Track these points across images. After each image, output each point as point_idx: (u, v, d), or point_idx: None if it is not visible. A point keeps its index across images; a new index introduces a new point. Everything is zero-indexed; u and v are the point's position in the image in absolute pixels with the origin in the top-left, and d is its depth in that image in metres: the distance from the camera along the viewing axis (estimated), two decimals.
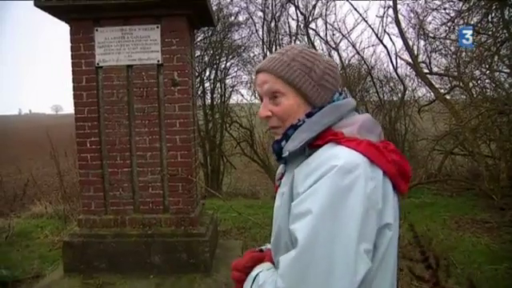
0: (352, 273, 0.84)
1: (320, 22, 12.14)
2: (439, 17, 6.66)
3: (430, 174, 7.77)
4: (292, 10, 10.38)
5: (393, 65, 8.65)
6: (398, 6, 7.03)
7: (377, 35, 8.52)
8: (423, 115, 8.70)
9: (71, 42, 3.72)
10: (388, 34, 8.89)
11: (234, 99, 12.65)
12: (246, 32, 11.07)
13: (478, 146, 6.32)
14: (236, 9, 10.48)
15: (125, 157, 3.76)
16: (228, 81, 12.02)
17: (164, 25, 3.67)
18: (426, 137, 8.73)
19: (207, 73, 10.99)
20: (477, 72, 6.68)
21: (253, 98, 12.45)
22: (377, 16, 13.95)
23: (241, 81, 12.18)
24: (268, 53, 11.26)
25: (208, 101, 11.33)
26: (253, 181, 15.42)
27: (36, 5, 3.52)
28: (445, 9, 6.03)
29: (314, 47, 10.14)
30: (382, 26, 9.39)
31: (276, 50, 11.15)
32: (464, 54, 6.46)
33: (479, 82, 6.90)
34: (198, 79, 10.06)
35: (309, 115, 1.05)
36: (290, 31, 10.58)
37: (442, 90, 7.47)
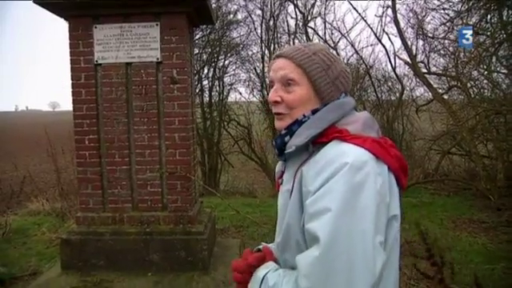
0: (372, 265, 0.87)
1: (319, 20, 12.15)
2: (438, 17, 6.68)
3: (428, 174, 7.80)
4: (291, 8, 10.38)
5: (391, 64, 8.67)
6: (397, 6, 7.04)
7: (375, 35, 8.54)
8: (421, 115, 8.73)
9: (70, 39, 3.71)
10: (387, 34, 8.94)
11: (232, 97, 12.65)
12: (244, 30, 11.06)
13: (475, 146, 6.35)
14: (235, 7, 10.45)
15: (123, 154, 3.76)
16: (226, 79, 12.02)
17: (163, 22, 3.66)
18: (423, 136, 8.76)
19: (205, 71, 10.98)
20: (475, 72, 6.71)
21: (251, 96, 12.46)
22: (376, 15, 13.99)
23: (239, 79, 12.18)
24: (266, 51, 11.27)
25: (206, 99, 11.32)
26: (250, 179, 15.42)
27: (35, 2, 3.50)
28: (444, 9, 6.05)
29: None
30: (381, 26, 9.40)
31: (274, 48, 11.18)
32: (462, 54, 6.48)
33: (477, 82, 6.93)
34: (196, 77, 10.05)
35: (314, 112, 1.06)
36: (288, 30, 10.59)
37: (440, 90, 7.50)
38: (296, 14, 10.19)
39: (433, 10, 6.77)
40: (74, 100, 3.73)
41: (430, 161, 8.26)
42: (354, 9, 10.35)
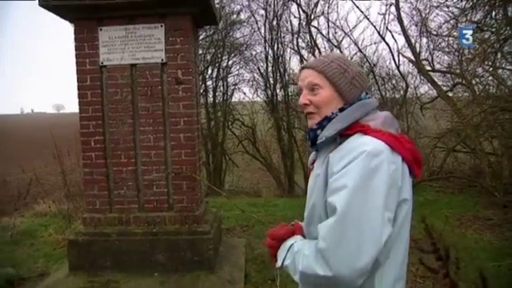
0: (378, 234, 1.07)
1: (322, 19, 12.09)
2: (442, 14, 6.65)
3: (433, 172, 7.77)
4: (294, 7, 10.39)
5: (395, 62, 8.65)
6: (401, 4, 7.02)
7: (379, 33, 8.52)
8: (425, 112, 8.70)
9: (75, 42, 3.74)
10: (390, 32, 8.90)
11: (236, 97, 12.67)
12: (247, 30, 11.07)
13: (481, 143, 6.33)
14: (238, 7, 10.46)
15: (129, 155, 3.78)
16: (230, 79, 12.04)
17: (168, 23, 3.68)
18: (428, 134, 8.73)
19: (209, 71, 11.00)
20: (479, 69, 6.68)
21: (255, 96, 12.47)
22: (379, 13, 13.92)
23: (243, 79, 12.19)
24: (270, 51, 11.27)
25: (210, 99, 11.35)
26: (255, 179, 15.44)
27: (41, 4, 3.53)
28: (448, 6, 6.02)
29: (317, 45, 10.14)
30: (384, 24, 9.36)
31: (278, 48, 11.18)
32: (467, 51, 6.45)
33: (482, 79, 6.90)
34: (201, 78, 10.08)
35: (341, 110, 1.26)
36: (292, 29, 10.58)
37: (444, 88, 7.47)
38: (299, 14, 10.20)
39: (436, 7, 6.75)
40: (79, 102, 3.76)
41: (434, 158, 8.23)
42: (357, 7, 10.29)
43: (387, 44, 8.62)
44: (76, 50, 3.74)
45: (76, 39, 3.75)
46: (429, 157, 8.14)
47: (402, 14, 7.14)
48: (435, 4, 6.67)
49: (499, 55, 6.10)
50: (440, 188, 7.10)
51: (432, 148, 8.09)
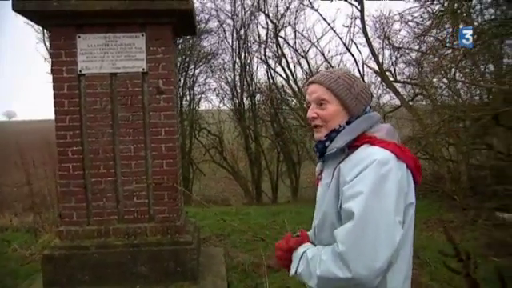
0: (392, 236, 1.15)
1: (289, 30, 12.39)
2: (405, 28, 7.04)
3: None
4: (262, 17, 10.57)
5: (359, 72, 9.02)
6: (366, 18, 7.37)
7: (344, 44, 8.88)
8: (388, 121, 9.12)
9: (51, 49, 3.64)
10: (355, 43, 9.29)
11: (203, 106, 12.65)
12: (215, 39, 11.13)
13: (441, 150, 6.74)
14: (206, 16, 10.50)
15: (109, 166, 3.70)
16: (197, 88, 12.02)
17: (149, 33, 3.66)
18: None
19: (178, 79, 10.90)
20: (436, 81, 7.14)
21: (221, 104, 12.50)
22: (344, 26, 14.42)
23: (210, 88, 12.21)
24: (237, 60, 11.38)
25: (178, 107, 11.22)
26: (220, 187, 15.41)
27: (15, 9, 3.40)
28: (408, 21, 6.40)
29: (284, 55, 10.38)
30: (350, 36, 9.77)
31: (245, 57, 11.30)
32: (426, 65, 6.88)
33: (439, 90, 7.37)
34: None
35: (348, 123, 1.34)
36: (259, 39, 10.77)
37: (406, 98, 7.90)
38: (267, 24, 10.40)
39: (396, 21, 7.15)
40: (56, 111, 3.64)
41: None
42: (323, 19, 10.68)
43: (352, 55, 9.00)
44: (52, 57, 3.64)
45: (52, 46, 3.65)
46: None
47: (367, 26, 7.50)
48: (396, 19, 7.06)
49: (454, 70, 6.56)
50: None
51: None
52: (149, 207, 3.79)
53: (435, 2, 6.09)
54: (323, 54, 9.77)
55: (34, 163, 5.96)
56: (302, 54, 10.18)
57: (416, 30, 6.36)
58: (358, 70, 9.15)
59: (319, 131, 1.38)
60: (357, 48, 12.30)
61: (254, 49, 11.20)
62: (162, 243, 3.70)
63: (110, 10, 3.50)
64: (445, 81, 6.65)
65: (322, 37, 13.73)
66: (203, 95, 12.22)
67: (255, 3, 10.29)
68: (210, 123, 12.63)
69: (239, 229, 5.44)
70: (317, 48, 9.94)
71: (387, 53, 8.28)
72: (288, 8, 9.95)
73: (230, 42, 11.23)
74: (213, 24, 11.13)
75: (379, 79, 8.19)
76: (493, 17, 6.06)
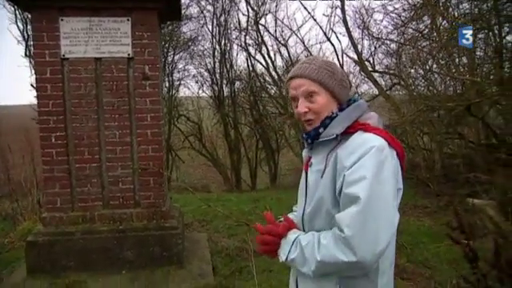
0: (392, 220, 1.20)
1: (270, 17, 12.38)
2: (386, 19, 7.18)
3: None
4: (242, 4, 10.51)
5: (339, 62, 9.14)
6: (346, 7, 7.47)
7: (325, 33, 8.97)
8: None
9: (33, 31, 3.55)
10: (335, 33, 9.40)
11: (182, 93, 12.53)
12: (194, 25, 10.99)
13: (416, 139, 6.99)
14: (187, 1, 10.33)
15: (93, 151, 3.67)
16: (176, 74, 11.87)
17: (135, 18, 3.62)
18: None
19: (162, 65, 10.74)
20: (413, 71, 7.37)
21: (201, 91, 12.42)
22: (324, 15, 14.54)
23: (189, 74, 12.09)
24: (217, 47, 11.30)
25: (163, 93, 11.08)
26: (199, 174, 15.40)
27: None
28: (391, 12, 6.54)
29: (264, 42, 10.39)
30: (330, 25, 9.87)
31: (225, 44, 11.23)
32: (404, 56, 7.07)
33: (416, 81, 7.60)
34: None
35: (341, 109, 1.34)
36: (239, 26, 10.70)
37: (383, 87, 8.10)
38: (248, 11, 10.35)
39: (377, 12, 7.29)
40: (38, 95, 3.57)
41: None
42: (304, 7, 10.73)
43: (332, 44, 9.10)
44: (34, 39, 3.55)
45: (34, 28, 3.56)
46: None
47: (347, 16, 7.60)
48: (377, 9, 7.19)
49: (430, 62, 6.77)
50: None
51: None
52: (134, 193, 3.80)
53: None
54: (303, 43, 9.85)
55: (11, 149, 5.79)
56: (283, 42, 10.22)
57: (396, 20, 6.52)
58: (338, 59, 9.28)
59: (312, 124, 1.36)
60: (336, 37, 12.52)
61: (234, 36, 11.16)
62: (148, 228, 3.72)
63: None
64: (421, 72, 6.86)
65: (302, 25, 13.84)
66: (182, 82, 12.10)
67: None
68: (189, 110, 12.55)
69: (222, 214, 5.50)
70: (297, 36, 10.01)
71: (366, 43, 8.45)
72: None
73: (210, 29, 11.14)
74: (193, 10, 11.01)
75: (358, 68, 8.36)
76: (467, 11, 6.29)
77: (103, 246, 3.62)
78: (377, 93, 8.17)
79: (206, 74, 11.89)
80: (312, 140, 1.36)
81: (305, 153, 1.47)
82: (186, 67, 11.80)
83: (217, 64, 11.61)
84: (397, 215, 1.22)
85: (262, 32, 10.41)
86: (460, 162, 6.56)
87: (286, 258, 1.31)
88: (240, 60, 24.29)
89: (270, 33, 10.35)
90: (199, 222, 5.68)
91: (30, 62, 9.01)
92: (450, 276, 3.55)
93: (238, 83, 12.02)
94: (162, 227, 3.75)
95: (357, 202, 1.16)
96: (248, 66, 11.48)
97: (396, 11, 6.10)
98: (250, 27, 10.62)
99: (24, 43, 9.18)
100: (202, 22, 10.95)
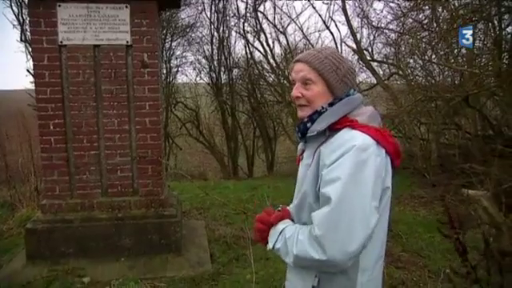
0: (367, 221, 1.17)
1: (268, 4, 12.24)
2: (386, 8, 7.14)
3: None
4: None
5: (337, 50, 9.09)
6: None
7: (324, 21, 8.90)
8: (363, 99, 9.32)
9: (30, 17, 3.51)
10: (334, 21, 9.35)
11: (180, 79, 12.46)
12: (193, 11, 10.87)
13: (414, 129, 7.01)
14: None
15: (92, 139, 3.67)
16: (173, 61, 11.79)
17: (134, 5, 3.58)
18: None
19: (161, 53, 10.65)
20: (412, 61, 7.35)
21: (198, 78, 12.36)
22: (323, 2, 14.37)
23: (186, 61, 12.00)
24: (215, 33, 11.20)
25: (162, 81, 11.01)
26: (196, 161, 15.43)
27: None
28: (391, 1, 6.49)
29: (263, 30, 10.30)
30: (329, 14, 9.79)
31: (223, 31, 11.13)
32: (403, 46, 7.04)
33: (414, 71, 7.59)
34: None
35: (331, 104, 1.33)
36: (238, 13, 10.60)
37: (381, 77, 8.08)
38: None
39: (376, 1, 7.21)
40: (36, 82, 3.55)
41: None
42: None
43: (331, 33, 9.04)
44: (31, 25, 3.51)
45: (30, 14, 3.51)
46: None
47: (346, 5, 7.54)
48: None
49: (430, 52, 6.75)
50: None
51: None
52: (133, 181, 3.82)
53: None
54: (302, 31, 9.78)
55: (7, 135, 5.77)
56: (281, 29, 10.14)
57: (396, 10, 6.48)
58: (336, 47, 9.22)
59: (303, 110, 1.36)
60: (336, 26, 12.53)
61: (233, 23, 11.07)
62: (147, 216, 3.75)
63: None
64: (420, 62, 6.84)
65: (301, 13, 13.86)
66: (180, 68, 12.02)
67: None
68: (187, 97, 12.50)
69: (219, 202, 5.54)
70: (296, 24, 10.00)
71: (365, 32, 8.41)
72: None
73: (209, 15, 11.02)
74: None
75: (356, 57, 8.31)
76: (468, 1, 6.24)
77: (102, 234, 3.65)
78: (375, 82, 8.16)
79: (203, 60, 11.82)
80: (302, 134, 1.37)
81: (300, 146, 1.48)
82: (184, 54, 11.73)
83: (215, 51, 11.54)
84: (375, 216, 1.18)
85: (260, 19, 10.33)
86: (456, 152, 6.59)
87: (273, 247, 1.35)
88: (238, 47, 24.14)
89: (268, 20, 10.28)
90: (197, 209, 5.72)
91: (26, 46, 8.92)
92: (443, 265, 3.63)
93: (235, 71, 11.97)
94: (160, 215, 3.78)
95: (329, 203, 1.18)
96: (246, 53, 11.43)
97: (396, 1, 6.05)
98: (248, 14, 10.53)
99: (19, 27, 9.07)
100: (200, 8, 10.85)
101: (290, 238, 1.29)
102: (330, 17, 9.17)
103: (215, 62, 11.67)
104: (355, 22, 8.48)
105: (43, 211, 3.67)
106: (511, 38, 5.92)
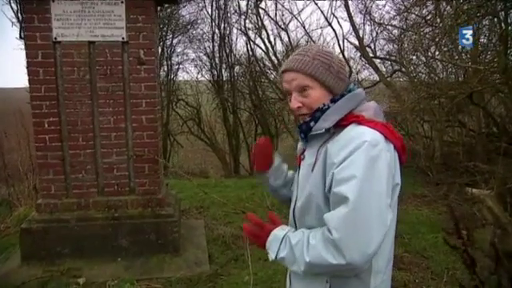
0: (384, 219, 1.12)
1: (270, 1, 12.16)
2: (388, 4, 7.03)
3: None
4: None
5: (340, 47, 9.00)
6: None
7: (326, 18, 8.79)
8: (366, 96, 9.21)
9: (24, 13, 3.43)
10: (336, 18, 9.23)
11: (181, 77, 12.39)
12: (194, 8, 10.78)
13: (417, 127, 6.91)
14: None
15: (88, 138, 3.60)
16: (174, 58, 11.71)
17: (129, 0, 3.50)
18: None
19: (159, 50, 10.59)
20: (414, 58, 7.23)
21: (199, 75, 12.28)
22: None
23: (187, 58, 11.93)
24: (216, 30, 11.11)
25: (160, 78, 10.96)
26: (197, 159, 15.36)
27: None
28: None
29: (264, 27, 10.20)
30: (331, 10, 9.68)
31: (224, 27, 11.04)
32: (406, 42, 6.93)
33: (417, 68, 7.48)
34: None
35: (333, 101, 1.26)
36: (239, 9, 10.50)
37: (384, 74, 7.98)
38: None
39: None
40: (30, 80, 3.48)
41: None
42: None
43: (333, 29, 8.94)
44: (24, 22, 3.44)
45: (24, 10, 3.44)
46: None
47: (349, 1, 7.43)
48: None
49: (433, 48, 6.64)
50: None
51: None
52: (129, 180, 3.76)
53: None
54: (304, 27, 9.67)
55: (6, 133, 5.72)
56: (283, 26, 10.04)
57: (399, 6, 6.37)
58: (339, 44, 9.14)
59: (306, 117, 1.30)
60: (338, 22, 12.35)
61: (234, 20, 10.95)
62: (144, 216, 3.69)
63: None
64: (423, 59, 6.74)
65: (303, 9, 13.64)
66: (181, 66, 11.94)
67: None
68: (188, 94, 12.43)
69: (219, 201, 5.47)
70: (298, 21, 9.89)
71: (368, 28, 8.29)
72: None
73: (210, 12, 10.93)
74: None
75: (359, 54, 8.21)
76: None
77: (98, 234, 3.59)
78: (377, 79, 8.05)
79: (205, 58, 11.73)
80: (305, 135, 1.30)
81: (300, 145, 1.42)
82: (185, 51, 11.64)
83: (216, 48, 11.44)
84: (390, 214, 1.14)
85: (262, 16, 10.23)
86: (460, 150, 6.49)
87: (276, 257, 1.25)
88: (239, 44, 23.95)
89: (270, 17, 10.18)
90: (196, 208, 5.65)
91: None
92: (446, 267, 3.55)
93: (237, 68, 11.88)
94: (157, 215, 3.72)
95: (345, 203, 1.11)
96: (248, 50, 11.33)
97: None
98: (249, 11, 10.43)
99: (18, 25, 9.01)
100: (201, 5, 10.74)
101: (296, 244, 1.20)
102: (332, 13, 9.04)
103: (216, 59, 11.58)
104: (357, 19, 8.38)
105: (39, 211, 3.61)
106: None
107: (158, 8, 4.62)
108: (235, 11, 10.77)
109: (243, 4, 10.61)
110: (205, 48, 11.51)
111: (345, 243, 1.09)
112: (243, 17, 10.54)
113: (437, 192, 5.70)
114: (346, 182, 1.12)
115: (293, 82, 1.28)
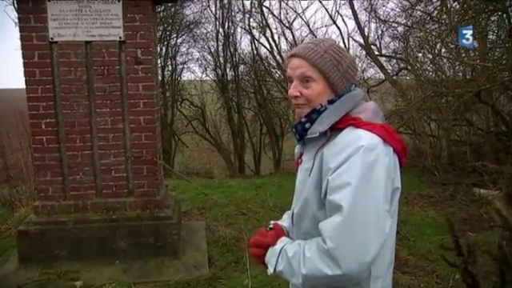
0: (382, 227, 1.09)
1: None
2: (394, 1, 6.91)
3: None
4: None
5: (345, 45, 8.88)
6: None
7: (330, 16, 8.68)
8: (372, 95, 9.10)
9: (19, 13, 3.39)
10: (341, 16, 9.13)
11: (185, 76, 12.36)
12: (198, 7, 10.73)
13: (423, 126, 6.78)
14: None
15: (85, 139, 3.56)
16: (179, 58, 11.68)
17: None
18: None
19: (157, 49, 10.55)
20: (421, 56, 7.10)
21: (204, 75, 12.23)
22: None
23: (192, 57, 11.88)
24: (220, 29, 11.05)
25: (158, 78, 10.93)
26: (203, 159, 15.33)
27: None
28: None
29: (268, 25, 10.12)
30: (336, 8, 9.56)
31: (228, 26, 10.98)
32: (412, 40, 6.80)
33: (424, 65, 7.34)
34: None
35: (330, 102, 1.21)
36: (243, 8, 10.42)
37: (390, 72, 7.85)
38: None
39: None
40: (27, 80, 3.44)
41: None
42: None
43: (338, 27, 8.82)
44: (20, 22, 3.39)
45: (20, 10, 3.40)
46: None
47: None
48: None
49: (439, 45, 6.51)
50: None
51: None
52: (127, 181, 3.71)
53: None
54: (308, 26, 9.56)
55: (8, 134, 5.71)
56: (287, 24, 9.95)
57: (404, 2, 6.25)
58: (344, 42, 9.00)
59: (301, 108, 1.25)
60: (342, 20, 12.20)
61: (238, 18, 10.88)
62: (142, 218, 3.64)
63: None
64: (429, 56, 6.60)
65: (307, 7, 13.55)
66: (185, 65, 11.90)
67: None
68: (193, 94, 12.39)
69: (221, 202, 5.40)
70: (302, 19, 9.75)
71: (373, 26, 8.17)
72: None
73: (214, 11, 10.87)
74: None
75: (364, 53, 8.09)
76: None
77: (96, 236, 3.54)
78: (383, 78, 7.93)
79: (209, 57, 11.68)
80: (300, 136, 1.25)
81: (297, 149, 1.36)
82: (189, 50, 11.59)
83: (220, 47, 11.38)
84: (388, 220, 1.11)
85: (266, 14, 10.14)
86: (467, 149, 6.35)
87: (274, 270, 1.22)
88: (244, 43, 23.95)
89: (274, 15, 10.08)
90: (198, 209, 5.59)
91: None
92: (452, 271, 3.44)
93: (241, 67, 11.80)
94: (155, 217, 3.66)
95: (339, 212, 1.07)
96: (252, 49, 11.24)
97: None
98: (253, 9, 10.35)
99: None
100: (204, 4, 10.68)
101: (293, 257, 1.17)
102: (336, 11, 8.93)
103: (221, 59, 11.52)
104: (363, 16, 8.22)
105: (36, 213, 3.58)
106: None
107: (157, 7, 4.56)
108: (239, 10, 10.71)
109: (247, 3, 10.58)
110: (209, 47, 11.46)
111: (340, 253, 1.06)
112: (247, 15, 10.48)
113: (443, 192, 5.58)
114: (340, 190, 1.08)
115: (297, 70, 1.22)
